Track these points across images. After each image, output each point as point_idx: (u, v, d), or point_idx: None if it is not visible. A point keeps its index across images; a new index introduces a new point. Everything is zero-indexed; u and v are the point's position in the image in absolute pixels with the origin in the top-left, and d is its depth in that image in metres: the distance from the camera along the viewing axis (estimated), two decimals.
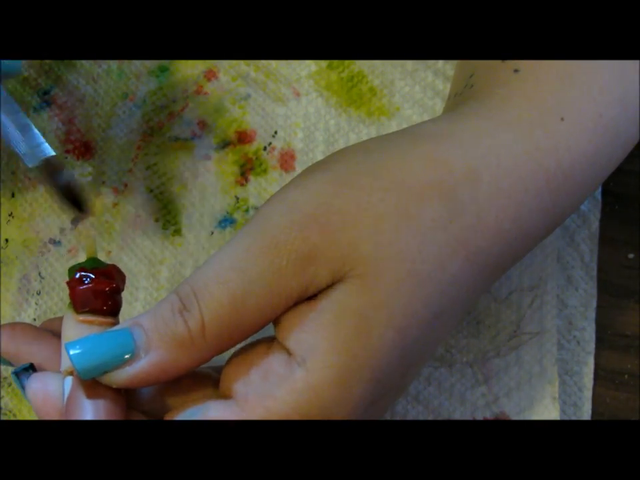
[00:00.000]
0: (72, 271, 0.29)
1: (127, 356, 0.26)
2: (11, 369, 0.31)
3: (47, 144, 0.31)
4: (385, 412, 0.30)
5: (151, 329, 0.27)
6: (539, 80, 0.30)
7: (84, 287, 0.28)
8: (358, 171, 0.28)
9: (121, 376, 0.27)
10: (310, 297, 0.27)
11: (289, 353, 0.27)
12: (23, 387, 0.29)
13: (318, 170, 0.28)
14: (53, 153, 0.31)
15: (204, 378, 0.29)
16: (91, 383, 0.27)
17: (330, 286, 0.27)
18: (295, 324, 0.27)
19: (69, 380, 0.28)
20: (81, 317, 0.28)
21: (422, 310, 0.27)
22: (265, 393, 0.26)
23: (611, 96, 0.30)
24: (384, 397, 0.28)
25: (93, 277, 0.28)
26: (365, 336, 0.26)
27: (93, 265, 0.29)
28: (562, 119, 0.29)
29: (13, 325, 0.31)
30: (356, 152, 0.29)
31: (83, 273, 0.28)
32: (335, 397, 0.26)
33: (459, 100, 0.32)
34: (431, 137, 0.29)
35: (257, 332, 0.27)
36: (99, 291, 0.28)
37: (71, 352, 0.26)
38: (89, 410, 0.27)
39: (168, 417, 0.28)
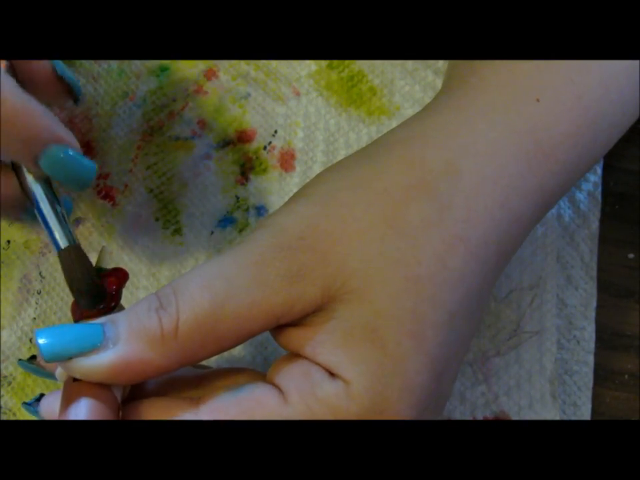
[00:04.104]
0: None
1: (93, 346, 0.26)
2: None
3: (64, 234, 0.30)
4: None
5: (123, 324, 0.27)
6: (512, 65, 0.30)
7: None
8: (338, 188, 0.28)
9: (86, 363, 0.26)
10: (302, 321, 0.27)
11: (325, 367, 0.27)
12: (37, 412, 0.29)
13: (302, 195, 0.29)
14: (62, 247, 0.30)
15: (252, 373, 0.29)
16: (80, 385, 0.27)
17: (326, 307, 0.27)
18: (307, 351, 0.27)
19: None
20: None
21: (432, 312, 0.27)
22: (307, 390, 0.26)
23: (590, 78, 0.30)
24: (423, 413, 0.27)
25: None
26: (381, 346, 0.26)
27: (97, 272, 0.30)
28: (537, 100, 0.29)
29: None
30: (334, 171, 0.29)
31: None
32: (372, 407, 0.26)
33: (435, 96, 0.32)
34: (404, 140, 0.29)
35: (231, 348, 0.27)
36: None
37: (39, 335, 0.26)
38: (73, 411, 0.27)
39: (212, 394, 0.28)
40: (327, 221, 0.27)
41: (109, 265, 0.30)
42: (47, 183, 0.30)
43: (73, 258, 0.29)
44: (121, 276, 0.30)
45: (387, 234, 0.27)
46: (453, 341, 0.28)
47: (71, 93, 0.32)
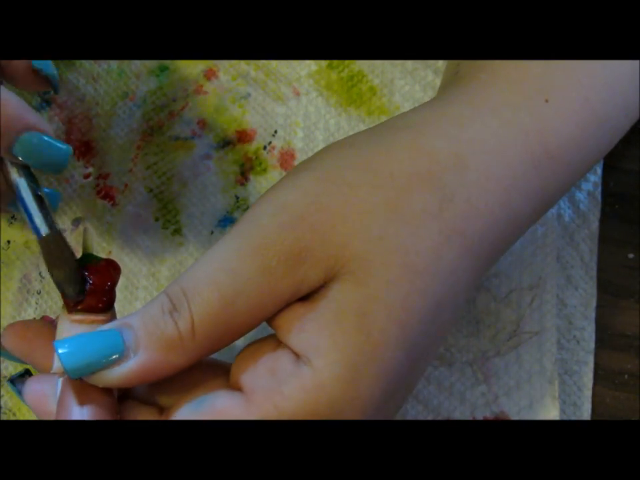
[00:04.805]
0: None
1: (115, 356, 0.26)
2: (12, 372, 0.31)
3: (44, 222, 0.29)
4: (395, 413, 0.30)
5: (141, 329, 0.27)
6: (521, 64, 0.30)
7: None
8: (344, 167, 0.28)
9: (110, 376, 0.26)
10: (304, 297, 0.27)
11: (295, 352, 0.27)
12: (19, 392, 0.29)
13: (305, 169, 0.28)
14: (43, 234, 0.29)
15: (217, 368, 0.29)
16: (80, 384, 0.27)
17: (324, 285, 0.27)
18: (295, 326, 0.27)
19: (61, 381, 0.28)
20: (74, 317, 0.28)
21: (421, 302, 0.27)
22: (273, 388, 0.26)
23: (597, 80, 0.30)
24: (394, 396, 0.28)
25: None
26: (366, 332, 0.26)
27: (87, 261, 0.29)
28: (546, 101, 0.29)
29: (23, 324, 0.31)
30: (341, 148, 0.29)
31: None
32: (343, 395, 0.26)
33: (444, 88, 0.32)
34: (414, 126, 0.29)
35: (248, 333, 0.27)
36: (90, 290, 0.28)
37: (60, 350, 0.26)
38: (77, 411, 0.27)
39: (177, 405, 0.28)
40: (330, 199, 0.27)
41: (96, 250, 0.30)
42: (27, 171, 0.30)
43: (54, 246, 0.29)
44: (114, 271, 0.29)
45: (388, 219, 0.27)
46: (435, 331, 0.28)
47: (48, 83, 0.32)
